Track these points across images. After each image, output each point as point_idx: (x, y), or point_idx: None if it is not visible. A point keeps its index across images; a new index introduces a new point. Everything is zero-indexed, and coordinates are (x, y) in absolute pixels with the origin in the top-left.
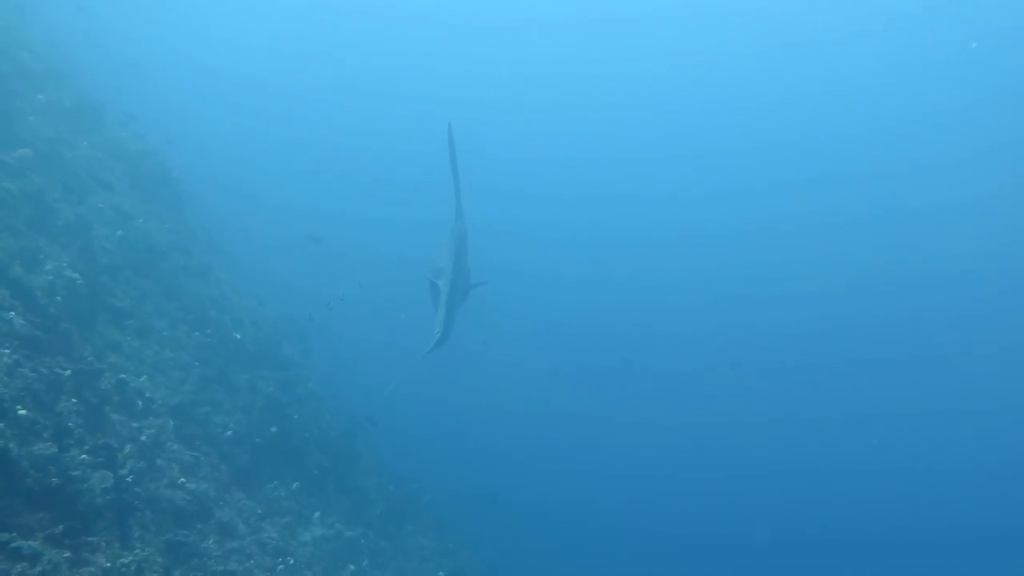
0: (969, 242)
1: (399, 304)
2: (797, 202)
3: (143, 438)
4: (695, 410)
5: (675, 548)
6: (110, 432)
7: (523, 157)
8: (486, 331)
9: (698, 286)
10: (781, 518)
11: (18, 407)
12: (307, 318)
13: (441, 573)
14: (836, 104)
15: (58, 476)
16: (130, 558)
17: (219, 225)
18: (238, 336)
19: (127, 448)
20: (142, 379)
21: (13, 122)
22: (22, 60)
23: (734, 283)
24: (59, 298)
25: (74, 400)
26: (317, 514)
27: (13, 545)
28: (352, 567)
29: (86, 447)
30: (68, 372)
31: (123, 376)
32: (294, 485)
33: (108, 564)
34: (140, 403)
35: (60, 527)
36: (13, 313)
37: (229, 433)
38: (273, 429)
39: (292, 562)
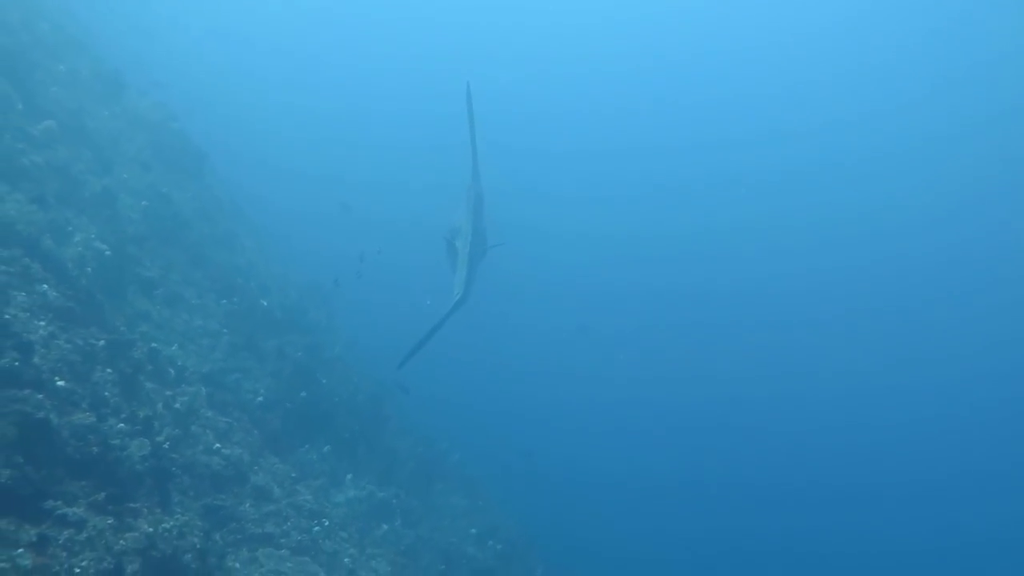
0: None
1: (419, 269)
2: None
3: (177, 406)
4: (728, 363)
5: (703, 501)
6: (145, 400)
7: (543, 112)
8: (512, 288)
9: (729, 236)
10: (820, 469)
11: (56, 378)
12: (333, 283)
13: (473, 530)
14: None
15: (98, 445)
16: (171, 523)
17: (241, 192)
18: (265, 303)
19: (157, 399)
20: (173, 348)
21: (36, 94)
22: (41, 31)
23: (766, 231)
24: (89, 269)
25: (109, 370)
26: (349, 476)
27: (59, 512)
28: (385, 527)
29: (123, 415)
30: (102, 342)
31: (154, 345)
32: (325, 448)
33: (151, 529)
34: (172, 371)
35: (102, 494)
36: (46, 286)
37: (260, 399)
38: (303, 394)
39: (327, 523)
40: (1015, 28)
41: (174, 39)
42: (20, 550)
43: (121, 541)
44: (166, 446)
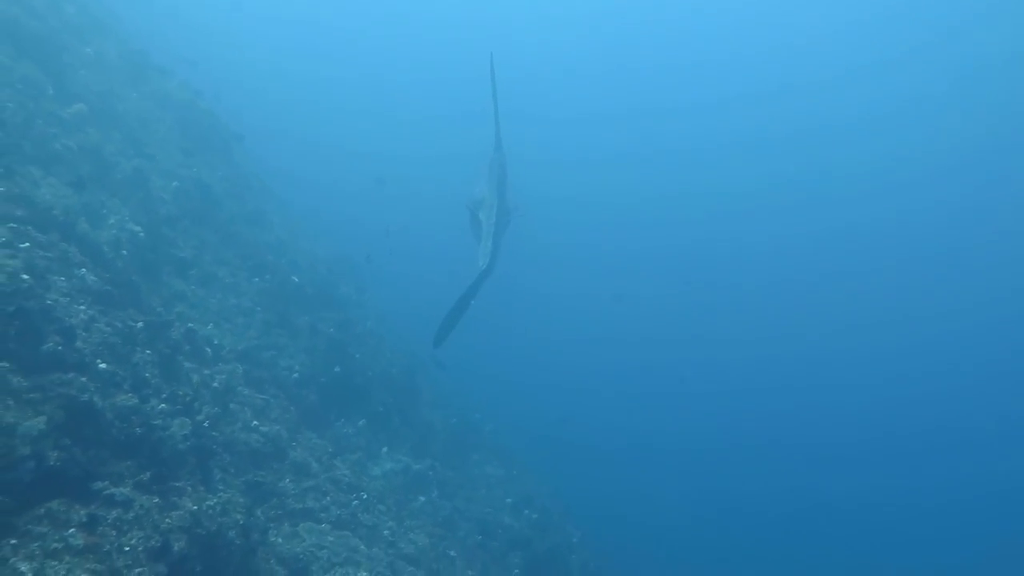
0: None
1: (446, 241)
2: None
3: (215, 384)
4: (766, 323)
5: (738, 464)
6: (184, 380)
7: (566, 77)
8: (541, 256)
9: (765, 192)
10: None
11: (98, 361)
12: (365, 259)
13: (509, 500)
14: None
15: (141, 425)
16: (215, 500)
17: (268, 167)
18: (296, 279)
19: (195, 379)
20: (209, 327)
21: (65, 77)
22: (67, 14)
23: (801, 186)
24: (125, 252)
25: (148, 351)
26: (385, 449)
27: (107, 492)
28: (423, 498)
29: (164, 395)
30: (140, 324)
31: (191, 325)
32: (361, 422)
33: (195, 507)
34: (209, 350)
35: (147, 474)
36: (84, 269)
37: (295, 375)
38: (337, 369)
39: (365, 497)
40: None
41: (199, 16)
42: (71, 530)
43: (167, 519)
44: (206, 424)
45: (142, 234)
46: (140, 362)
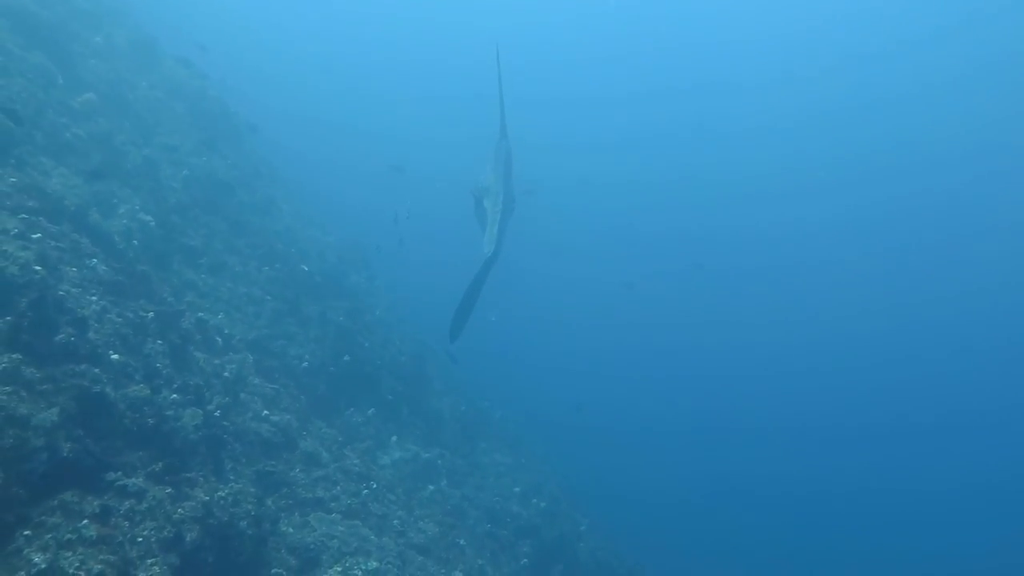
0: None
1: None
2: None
3: (226, 374)
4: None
5: (747, 447)
6: (195, 370)
7: (570, 59)
8: (546, 242)
9: (775, 177)
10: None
11: (111, 352)
12: (375, 249)
13: (517, 488)
14: None
15: (153, 416)
16: (226, 491)
17: (280, 153)
18: (306, 268)
19: (206, 368)
20: (219, 316)
21: (75, 66)
22: (77, 2)
23: (810, 172)
24: (136, 241)
25: (159, 341)
26: (394, 438)
27: (119, 483)
28: (432, 487)
29: (175, 385)
30: (151, 314)
31: (201, 315)
32: (370, 411)
33: (207, 498)
34: (220, 340)
35: (159, 464)
36: (95, 260)
37: (305, 364)
38: (346, 358)
39: (375, 486)
40: None
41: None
42: (84, 521)
43: (179, 510)
44: (217, 414)
45: (152, 223)
46: (151, 352)
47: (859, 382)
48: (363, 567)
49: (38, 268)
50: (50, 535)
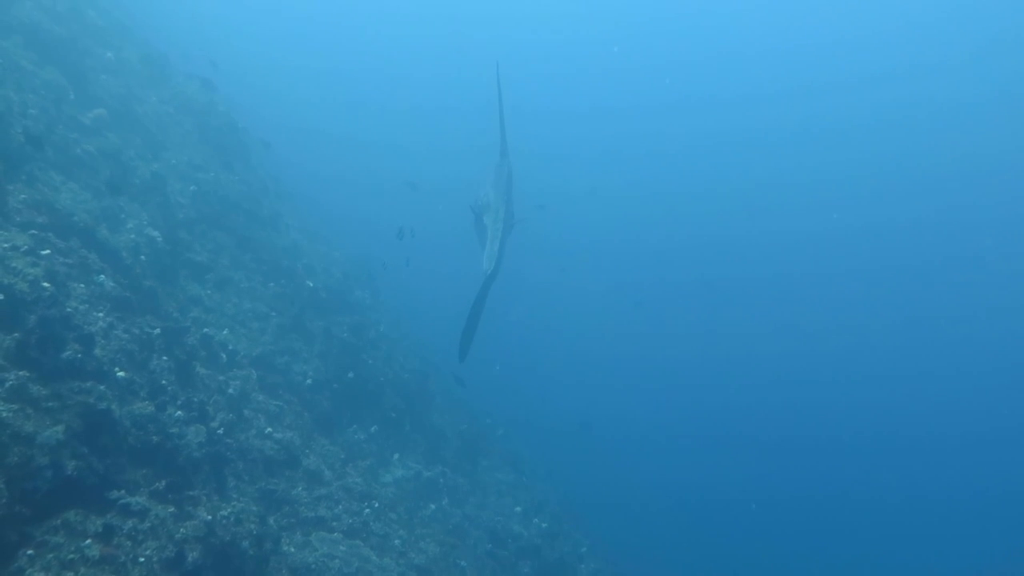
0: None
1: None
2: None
3: (230, 390)
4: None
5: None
6: (200, 387)
7: (570, 72)
8: (550, 257)
9: (775, 190)
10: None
11: (116, 369)
12: (381, 267)
13: (519, 508)
14: None
15: (157, 433)
16: (228, 509)
17: (285, 167)
18: (311, 284)
19: (210, 385)
20: (224, 332)
21: (87, 81)
22: (89, 18)
23: (809, 186)
24: (143, 257)
25: (165, 358)
26: (396, 455)
27: (122, 502)
28: (433, 506)
29: (179, 402)
30: (157, 331)
31: (207, 331)
32: (373, 428)
33: (209, 517)
34: (224, 356)
35: (163, 482)
36: (103, 276)
37: (309, 381)
38: (350, 374)
39: (377, 505)
40: None
41: (219, 15)
42: (87, 541)
43: (182, 529)
44: (220, 431)
45: (160, 239)
46: (157, 369)
47: (870, 393)
48: None
49: (47, 284)
50: (52, 555)
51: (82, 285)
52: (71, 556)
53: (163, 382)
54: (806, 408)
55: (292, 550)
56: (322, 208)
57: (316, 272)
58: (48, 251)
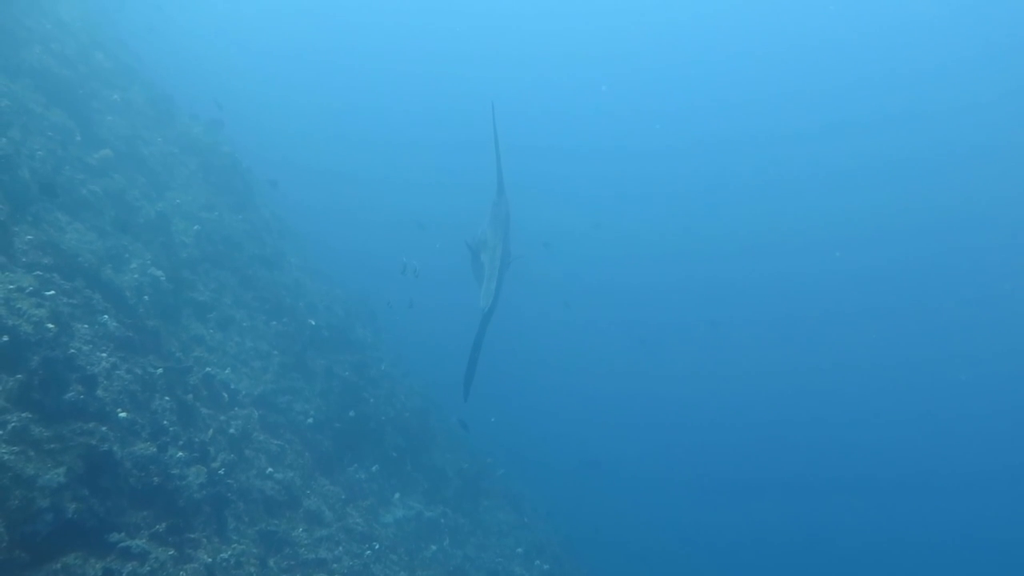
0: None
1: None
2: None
3: (231, 430)
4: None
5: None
6: (201, 426)
7: (567, 111)
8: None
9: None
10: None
11: (119, 410)
12: (386, 305)
13: (520, 549)
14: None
15: (158, 475)
16: (229, 552)
17: (288, 205)
18: (313, 322)
19: (214, 431)
20: (226, 371)
21: (93, 123)
22: (97, 60)
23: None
24: (146, 297)
25: (167, 398)
26: (397, 495)
27: (122, 545)
28: (434, 547)
29: (181, 443)
30: (160, 371)
31: (209, 370)
32: (374, 467)
33: (209, 560)
34: (226, 395)
35: (163, 524)
36: (107, 316)
37: (310, 420)
38: (351, 413)
39: (378, 547)
40: None
41: (223, 58)
42: None
43: (182, 573)
44: (221, 472)
45: (163, 278)
46: (159, 409)
47: (881, 434)
48: None
49: (51, 326)
50: None
51: (86, 326)
52: None
53: (165, 422)
54: (814, 450)
55: None
56: (324, 245)
57: (318, 310)
58: (53, 292)
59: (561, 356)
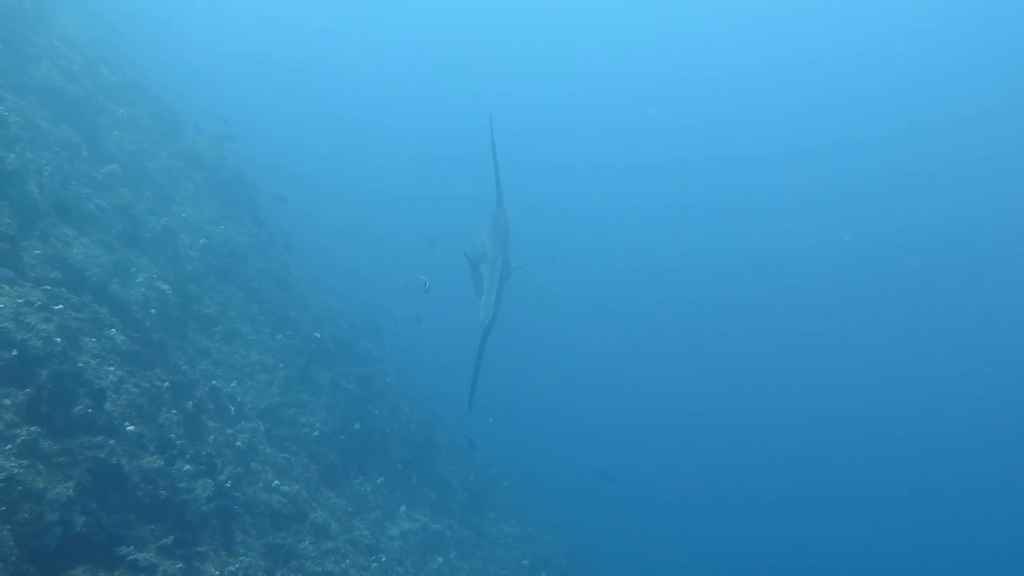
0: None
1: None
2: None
3: (238, 443)
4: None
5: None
6: (208, 440)
7: (571, 126)
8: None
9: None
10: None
11: (126, 423)
12: (393, 320)
13: (526, 561)
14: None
15: (166, 488)
16: (236, 565)
17: (294, 219)
18: (318, 335)
19: (221, 444)
20: (232, 384)
21: (100, 137)
22: (103, 75)
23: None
24: (153, 310)
25: (174, 411)
26: (403, 508)
27: (131, 558)
28: (440, 559)
29: (188, 456)
30: (167, 384)
31: (215, 383)
32: (379, 480)
33: (217, 573)
34: (232, 408)
35: (171, 538)
36: (114, 330)
37: (316, 433)
38: (356, 426)
39: (384, 559)
40: None
41: (230, 73)
42: None
43: None
44: (228, 485)
45: (169, 292)
46: (166, 423)
47: (894, 447)
48: None
49: (59, 340)
50: None
51: (93, 339)
52: None
53: (172, 436)
54: (827, 466)
55: None
56: (329, 259)
57: (323, 323)
58: (61, 306)
59: (566, 369)
